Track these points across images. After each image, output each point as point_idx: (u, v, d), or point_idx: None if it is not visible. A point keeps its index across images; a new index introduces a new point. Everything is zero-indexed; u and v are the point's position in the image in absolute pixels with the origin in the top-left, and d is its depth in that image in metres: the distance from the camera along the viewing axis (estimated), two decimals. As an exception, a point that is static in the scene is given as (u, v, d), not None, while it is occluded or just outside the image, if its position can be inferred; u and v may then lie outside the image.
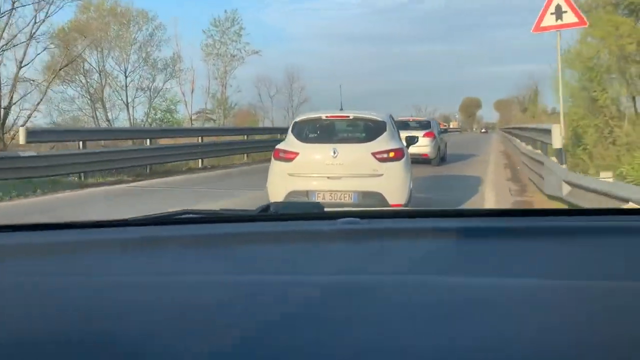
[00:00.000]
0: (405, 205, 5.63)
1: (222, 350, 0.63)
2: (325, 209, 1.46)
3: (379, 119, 6.17)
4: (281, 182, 5.81)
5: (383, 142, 5.86)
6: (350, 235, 1.23)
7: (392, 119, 6.63)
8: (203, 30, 29.94)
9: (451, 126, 70.05)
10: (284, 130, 22.76)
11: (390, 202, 5.54)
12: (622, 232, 1.23)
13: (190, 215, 1.44)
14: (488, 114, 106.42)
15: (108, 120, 24.92)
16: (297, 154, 5.81)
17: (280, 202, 1.66)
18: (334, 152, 5.68)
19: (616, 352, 0.61)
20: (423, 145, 12.47)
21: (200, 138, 15.84)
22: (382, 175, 5.67)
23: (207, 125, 27.87)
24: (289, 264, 1.07)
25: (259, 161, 16.57)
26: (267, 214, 1.44)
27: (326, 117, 6.31)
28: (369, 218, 1.34)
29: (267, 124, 35.19)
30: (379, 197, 5.57)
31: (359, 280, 0.88)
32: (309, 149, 5.89)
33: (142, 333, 0.68)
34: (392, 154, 5.75)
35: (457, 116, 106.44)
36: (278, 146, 6.11)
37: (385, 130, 5.98)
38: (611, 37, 11.22)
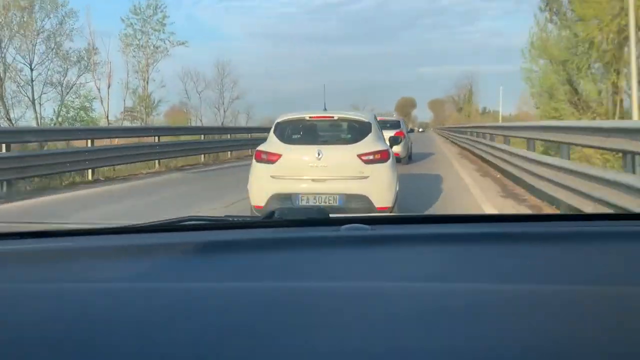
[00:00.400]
0: (392, 208, 5.51)
1: (224, 355, 0.63)
2: (330, 215, 1.47)
3: (365, 119, 5.98)
4: (264, 185, 5.60)
5: (369, 144, 5.66)
6: (355, 241, 1.23)
7: (376, 119, 6.43)
8: (122, 18, 26.83)
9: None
10: (212, 131, 20.44)
11: (377, 205, 5.39)
12: (621, 237, 1.25)
13: (195, 222, 1.45)
14: (422, 113, 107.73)
15: (10, 119, 21.76)
16: (280, 155, 5.60)
17: (285, 207, 1.69)
18: (319, 154, 5.51)
19: (616, 357, 0.61)
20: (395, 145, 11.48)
21: (89, 141, 11.32)
22: (368, 177, 5.48)
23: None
24: (294, 271, 1.07)
25: (174, 169, 13.91)
26: (272, 220, 1.45)
27: (310, 117, 6.07)
28: (374, 224, 1.35)
29: (197, 123, 32.75)
30: (364, 200, 5.41)
31: (364, 286, 0.88)
32: (293, 151, 5.69)
33: (145, 340, 0.67)
34: (378, 156, 5.57)
35: (394, 115, 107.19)
36: (260, 147, 5.85)
37: (370, 131, 5.79)
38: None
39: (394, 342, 0.64)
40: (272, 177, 5.55)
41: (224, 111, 37.13)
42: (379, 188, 5.50)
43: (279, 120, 6.14)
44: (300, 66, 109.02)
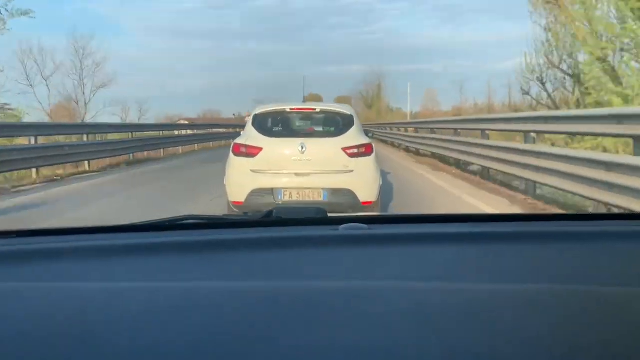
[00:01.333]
0: (375, 202, 5.39)
1: (222, 355, 0.62)
2: (329, 215, 1.47)
3: (347, 112, 5.82)
4: (243, 180, 5.30)
5: (353, 137, 5.48)
6: (354, 240, 1.23)
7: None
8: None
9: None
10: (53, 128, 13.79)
11: (361, 199, 5.26)
12: (621, 237, 1.24)
13: (193, 221, 1.44)
14: None
15: None
16: (261, 149, 5.33)
17: (283, 207, 1.63)
18: (302, 147, 5.29)
19: (616, 357, 0.61)
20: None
21: None
22: (352, 171, 5.31)
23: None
24: (292, 270, 1.08)
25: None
26: (270, 219, 1.44)
27: (291, 109, 5.86)
28: (371, 223, 1.36)
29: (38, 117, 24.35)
30: (349, 195, 5.25)
31: (362, 286, 0.87)
32: (275, 144, 5.43)
33: (141, 340, 0.67)
34: (362, 149, 5.41)
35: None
36: (237, 140, 5.58)
37: (353, 124, 5.63)
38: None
39: (391, 340, 0.64)
40: (253, 171, 5.28)
41: (85, 103, 28.78)
42: (364, 182, 5.33)
43: (257, 111, 5.84)
44: (202, 62, 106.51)
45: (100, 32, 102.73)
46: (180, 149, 20.71)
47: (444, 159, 13.13)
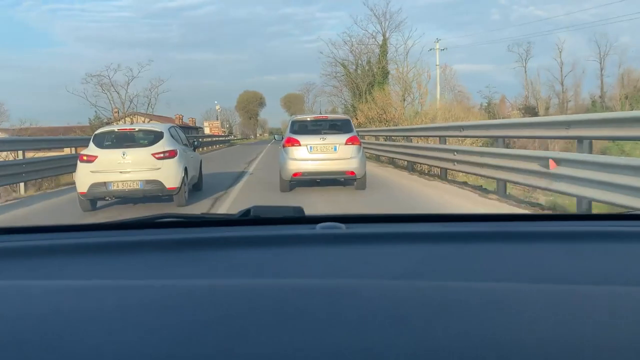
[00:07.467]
0: (179, 187, 8.22)
1: (199, 353, 0.62)
2: (307, 214, 1.48)
3: (158, 129, 8.84)
4: (85, 177, 7.97)
5: (160, 146, 8.37)
6: (331, 239, 1.23)
7: (175, 129, 9.63)
8: None
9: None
10: None
11: (167, 186, 8.14)
12: (619, 238, 1.25)
13: (171, 219, 1.45)
14: (276, 117, 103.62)
15: None
16: (96, 156, 8.09)
17: (261, 206, 1.50)
18: (124, 154, 8.12)
19: (611, 357, 0.61)
20: (344, 159, 9.72)
21: None
22: (160, 168, 8.14)
23: None
24: (269, 269, 1.08)
25: None
26: (248, 218, 1.44)
27: (118, 130, 9.15)
28: (349, 222, 1.37)
29: None
30: (159, 184, 8.12)
31: (339, 284, 0.87)
32: (105, 153, 8.21)
33: (117, 339, 0.65)
34: (168, 154, 8.28)
35: (238, 119, 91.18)
36: (82, 152, 8.52)
37: (162, 137, 8.52)
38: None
39: (367, 339, 0.64)
40: (91, 171, 7.95)
41: None
42: (169, 175, 8.17)
43: (97, 132, 8.89)
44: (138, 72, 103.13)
45: (31, 43, 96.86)
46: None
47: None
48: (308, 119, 11.15)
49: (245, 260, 1.11)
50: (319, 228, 1.29)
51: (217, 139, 47.59)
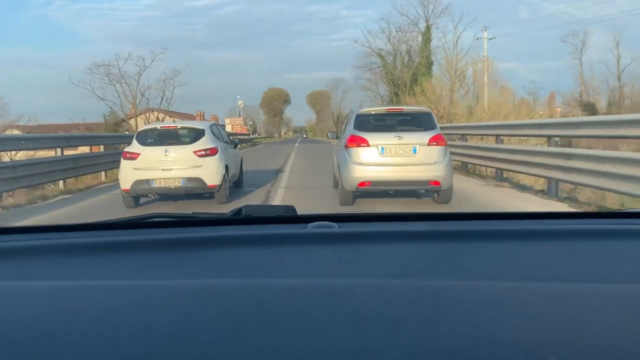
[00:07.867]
0: (220, 185, 8.09)
1: (190, 354, 0.61)
2: (298, 213, 1.48)
3: (199, 127, 8.80)
4: (128, 174, 7.91)
5: (202, 143, 8.24)
6: (322, 238, 1.24)
7: (216, 126, 9.53)
8: None
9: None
10: None
11: (208, 183, 8.01)
12: (616, 236, 1.25)
13: (161, 219, 1.45)
14: (299, 114, 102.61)
15: None
16: (139, 154, 8.04)
17: (253, 205, 1.57)
18: (166, 151, 8.02)
19: (612, 356, 0.61)
20: (427, 164, 7.37)
21: None
22: (201, 166, 8.00)
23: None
24: (261, 268, 1.08)
25: None
26: (240, 217, 1.45)
27: (161, 127, 9.04)
28: (342, 221, 1.37)
29: None
30: (200, 181, 7.97)
31: (331, 283, 0.87)
32: (148, 150, 8.11)
33: (107, 339, 0.65)
34: (209, 151, 8.16)
35: (262, 117, 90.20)
36: (125, 149, 8.49)
37: (204, 135, 8.40)
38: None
39: (360, 339, 0.64)
40: (135, 168, 7.90)
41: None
42: (210, 172, 8.06)
43: (140, 130, 8.98)
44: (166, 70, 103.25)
45: (60, 42, 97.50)
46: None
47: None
48: (377, 111, 8.58)
49: (237, 259, 1.11)
50: (311, 227, 1.30)
51: (236, 137, 43.18)
